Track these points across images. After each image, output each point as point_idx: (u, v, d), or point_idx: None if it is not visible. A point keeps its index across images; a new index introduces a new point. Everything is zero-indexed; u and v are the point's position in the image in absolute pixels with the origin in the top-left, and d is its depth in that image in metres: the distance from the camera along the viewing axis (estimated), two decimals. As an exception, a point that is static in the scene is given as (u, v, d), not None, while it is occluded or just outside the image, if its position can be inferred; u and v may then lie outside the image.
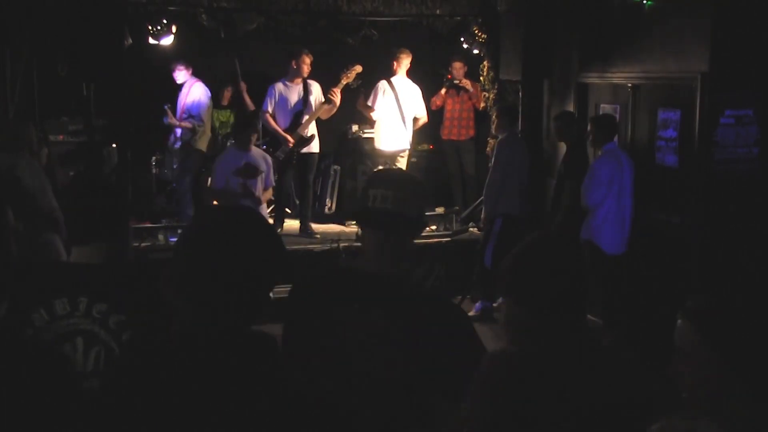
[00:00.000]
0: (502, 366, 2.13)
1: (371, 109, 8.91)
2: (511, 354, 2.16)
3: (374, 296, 2.39)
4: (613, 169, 6.74)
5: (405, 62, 8.92)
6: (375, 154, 9.11)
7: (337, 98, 8.60)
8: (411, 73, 9.09)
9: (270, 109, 8.65)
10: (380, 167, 7.73)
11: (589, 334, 2.20)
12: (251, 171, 7.48)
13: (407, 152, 9.13)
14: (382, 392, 2.31)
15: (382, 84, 8.90)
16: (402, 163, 9.05)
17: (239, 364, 1.66)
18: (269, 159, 7.77)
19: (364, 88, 9.16)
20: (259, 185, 7.49)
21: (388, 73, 8.97)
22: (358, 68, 8.80)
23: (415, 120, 9.10)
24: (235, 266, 1.68)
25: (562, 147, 7.79)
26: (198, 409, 1.60)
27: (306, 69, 8.58)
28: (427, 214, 8.97)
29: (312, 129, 8.70)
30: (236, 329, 1.70)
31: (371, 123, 9.21)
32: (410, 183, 2.55)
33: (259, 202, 7.45)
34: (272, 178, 7.76)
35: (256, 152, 7.64)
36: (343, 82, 8.69)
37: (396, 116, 8.88)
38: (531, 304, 2.12)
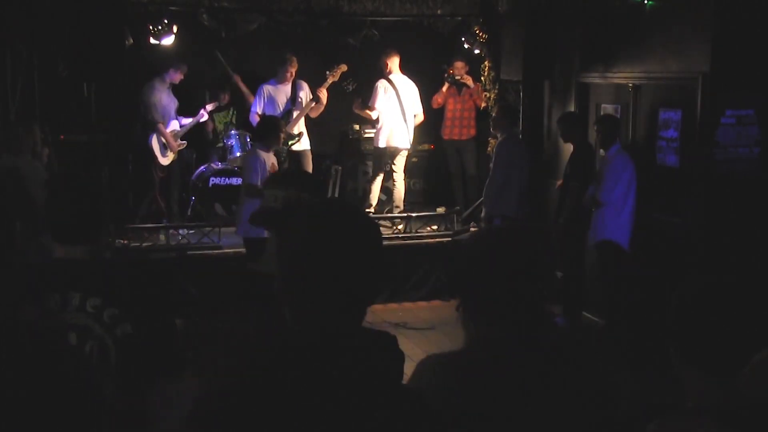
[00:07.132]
0: (428, 371, 1.99)
1: (372, 108, 8.88)
2: (440, 358, 2.04)
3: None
4: (633, 168, 6.77)
5: (396, 60, 8.93)
6: (376, 154, 9.09)
7: (324, 97, 8.65)
8: (412, 73, 9.07)
9: (259, 110, 8.68)
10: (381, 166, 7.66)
11: (550, 334, 2.05)
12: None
13: (407, 151, 9.13)
14: None
15: (382, 83, 8.88)
16: (400, 162, 9.06)
17: (364, 367, 1.57)
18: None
19: (357, 93, 9.13)
20: None
21: (381, 73, 8.97)
22: (344, 67, 8.82)
23: (414, 117, 9.08)
24: (349, 263, 1.59)
25: (565, 148, 7.78)
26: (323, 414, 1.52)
27: (292, 71, 8.63)
28: (427, 214, 9.13)
29: (301, 127, 8.74)
30: (352, 330, 1.61)
31: (373, 123, 9.20)
32: (299, 179, 2.55)
33: None
34: None
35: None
36: (329, 81, 8.71)
37: (398, 114, 8.87)
38: (487, 317, 1.98)
